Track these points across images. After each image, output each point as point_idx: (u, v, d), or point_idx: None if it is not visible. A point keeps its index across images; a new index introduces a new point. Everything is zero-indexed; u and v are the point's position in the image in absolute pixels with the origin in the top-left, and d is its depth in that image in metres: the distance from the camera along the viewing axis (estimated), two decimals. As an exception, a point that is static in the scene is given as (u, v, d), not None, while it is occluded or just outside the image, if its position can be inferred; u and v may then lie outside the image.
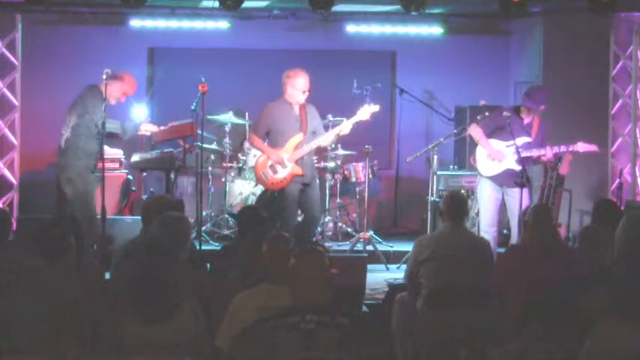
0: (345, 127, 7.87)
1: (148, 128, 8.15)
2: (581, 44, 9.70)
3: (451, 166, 9.71)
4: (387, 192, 10.53)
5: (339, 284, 4.08)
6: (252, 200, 9.13)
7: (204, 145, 8.61)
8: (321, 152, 9.01)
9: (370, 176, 8.99)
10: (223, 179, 9.30)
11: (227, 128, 9.30)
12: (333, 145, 9.10)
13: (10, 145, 9.57)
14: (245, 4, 8.37)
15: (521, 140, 7.57)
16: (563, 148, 7.65)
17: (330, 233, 9.39)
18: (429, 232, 8.02)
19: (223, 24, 10.00)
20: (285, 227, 7.31)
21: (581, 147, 7.65)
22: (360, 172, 9.13)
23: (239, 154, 9.31)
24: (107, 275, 5.41)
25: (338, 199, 9.45)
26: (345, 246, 8.92)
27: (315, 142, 7.84)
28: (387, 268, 8.35)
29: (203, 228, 8.60)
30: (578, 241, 4.90)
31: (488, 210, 7.75)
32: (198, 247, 6.71)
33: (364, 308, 6.29)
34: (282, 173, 7.82)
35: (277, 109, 7.86)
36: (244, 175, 9.22)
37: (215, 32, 10.05)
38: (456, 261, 5.38)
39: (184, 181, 9.66)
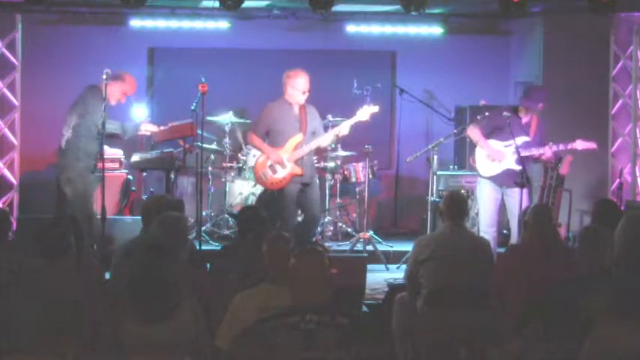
0: (344, 127, 7.88)
1: (148, 128, 8.14)
2: (581, 44, 9.70)
3: (451, 166, 9.72)
4: (387, 192, 10.53)
5: (339, 284, 4.08)
6: (252, 200, 9.13)
7: (204, 145, 8.61)
8: (321, 152, 9.01)
9: (370, 176, 8.99)
10: (223, 179, 9.31)
11: (227, 128, 9.30)
12: (333, 145, 9.10)
13: (10, 145, 9.57)
14: (245, 4, 8.37)
15: (520, 140, 7.58)
16: (561, 147, 7.66)
17: (330, 233, 9.39)
18: (429, 232, 8.02)
19: (223, 24, 10.00)
20: (285, 227, 7.31)
21: (580, 144, 7.66)
22: (360, 172, 9.13)
23: (239, 154, 9.31)
24: (107, 275, 5.41)
25: (338, 199, 9.45)
26: (345, 246, 8.92)
27: (314, 143, 7.84)
28: (387, 268, 8.35)
29: (203, 228, 8.60)
30: (578, 241, 4.90)
31: (488, 210, 7.75)
32: (198, 247, 6.71)
33: (364, 308, 6.29)
34: (281, 173, 7.83)
35: (277, 109, 7.86)
36: (244, 175, 9.22)
37: (215, 32, 10.05)
38: (456, 261, 5.38)
39: (184, 181, 9.66)
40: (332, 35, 10.21)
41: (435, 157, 8.30)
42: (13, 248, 5.55)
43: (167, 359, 4.06)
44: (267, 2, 9.51)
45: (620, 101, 9.76)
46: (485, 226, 7.74)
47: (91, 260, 5.09)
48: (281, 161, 7.79)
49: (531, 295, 4.86)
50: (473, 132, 7.88)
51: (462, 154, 9.61)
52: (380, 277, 7.69)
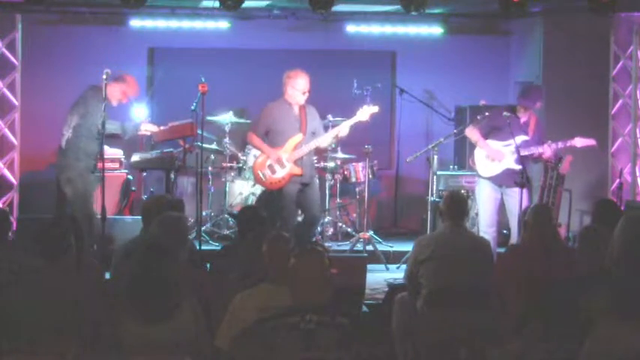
0: (344, 128, 7.89)
1: (148, 128, 8.14)
2: (581, 44, 9.70)
3: (451, 166, 9.72)
4: (387, 192, 10.53)
5: (339, 284, 4.08)
6: (252, 200, 9.13)
7: (204, 145, 8.61)
8: (320, 153, 9.02)
9: (370, 176, 8.99)
10: (223, 179, 9.31)
11: (227, 128, 9.30)
12: (333, 145, 9.09)
13: (10, 145, 9.56)
14: (245, 4, 8.37)
15: (519, 139, 7.59)
16: (560, 145, 7.67)
17: (330, 233, 9.39)
18: (429, 232, 8.02)
19: (223, 24, 10.00)
20: (285, 227, 7.32)
21: (579, 142, 7.67)
22: (360, 172, 9.13)
23: (239, 154, 9.31)
24: (107, 275, 5.41)
25: (338, 199, 9.46)
26: (345, 246, 8.91)
27: (314, 143, 7.85)
28: (387, 268, 8.35)
29: (203, 228, 8.60)
30: (578, 241, 4.90)
31: (487, 210, 7.76)
32: (198, 247, 6.71)
33: (364, 308, 6.29)
34: (280, 173, 7.83)
35: (277, 109, 7.87)
36: (244, 175, 9.22)
37: (215, 32, 10.05)
38: (456, 261, 5.38)
39: (184, 181, 9.66)
40: (332, 35, 10.21)
41: (435, 157, 8.30)
42: (13, 248, 5.56)
43: (167, 359, 4.06)
44: (267, 2, 9.51)
45: (620, 101, 9.76)
46: (484, 226, 7.75)
47: (91, 260, 5.09)
48: (280, 160, 7.79)
49: (531, 295, 4.85)
50: (471, 133, 7.90)
51: (462, 154, 9.61)
52: (380, 277, 7.69)
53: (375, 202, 10.24)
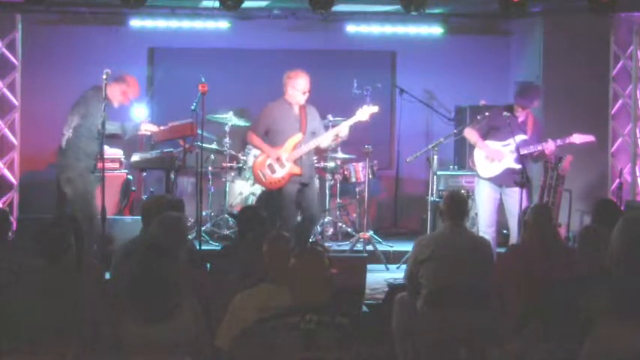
0: (344, 127, 7.89)
1: (148, 128, 8.14)
2: (581, 44, 9.70)
3: (451, 166, 9.72)
4: (387, 192, 10.53)
5: (339, 284, 4.08)
6: (252, 200, 9.13)
7: (204, 145, 8.61)
8: (320, 153, 9.02)
9: (370, 176, 8.99)
10: (223, 179, 9.31)
11: (227, 128, 9.30)
12: (334, 145, 9.09)
13: (10, 145, 9.56)
14: (245, 4, 8.37)
15: (518, 138, 7.59)
16: (559, 142, 7.67)
17: (330, 233, 9.39)
18: (429, 232, 8.02)
19: (223, 24, 10.00)
20: (284, 227, 7.32)
21: (577, 138, 7.68)
22: (360, 172, 9.13)
23: (239, 154, 9.31)
24: (107, 275, 5.41)
25: (338, 199, 9.46)
26: (345, 246, 8.91)
27: (313, 142, 7.85)
28: (387, 268, 8.35)
29: (203, 228, 8.60)
30: (578, 241, 4.90)
31: (487, 210, 7.77)
32: (198, 247, 6.71)
33: (364, 308, 6.29)
34: (280, 173, 7.83)
35: (277, 109, 7.88)
36: (244, 175, 9.22)
37: (215, 32, 10.05)
38: (456, 261, 5.38)
39: (184, 181, 9.67)
40: (332, 35, 10.21)
41: (435, 157, 8.30)
42: (13, 248, 5.56)
43: (167, 359, 4.06)
44: (267, 2, 9.51)
45: (620, 101, 9.76)
46: (484, 226, 7.75)
47: (91, 260, 5.09)
48: (280, 160, 7.79)
49: (531, 295, 4.85)
50: (470, 134, 7.91)
51: (462, 154, 9.61)
52: (380, 277, 7.69)
53: (375, 202, 10.24)
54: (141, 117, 8.92)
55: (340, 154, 9.32)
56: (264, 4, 9.56)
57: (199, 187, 7.53)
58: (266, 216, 5.87)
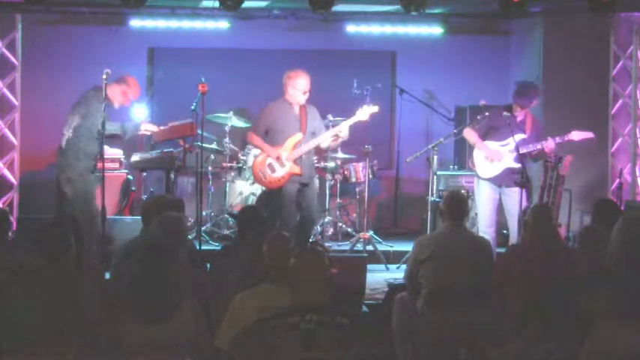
0: (343, 127, 7.89)
1: (148, 128, 8.14)
2: (581, 44, 9.70)
3: (451, 166, 9.72)
4: (387, 192, 10.53)
5: (339, 284, 4.08)
6: (252, 200, 9.13)
7: (204, 145, 8.61)
8: (321, 153, 9.02)
9: (370, 176, 8.99)
10: (223, 179, 9.31)
11: (227, 128, 9.30)
12: (334, 145, 9.08)
13: (10, 145, 9.56)
14: (245, 4, 8.37)
15: (517, 137, 7.59)
16: (558, 140, 7.67)
17: (330, 233, 9.39)
18: (429, 232, 8.02)
19: (223, 24, 10.00)
20: (284, 227, 7.32)
21: (576, 135, 7.68)
22: (360, 172, 9.13)
23: (239, 154, 9.31)
24: (107, 275, 5.41)
25: (338, 199, 9.46)
26: (345, 246, 8.91)
27: (313, 142, 7.86)
28: (387, 268, 8.35)
29: (203, 228, 8.60)
30: (578, 241, 4.90)
31: (487, 211, 7.78)
32: (198, 247, 6.71)
33: (364, 308, 6.29)
34: (280, 172, 7.84)
35: (278, 109, 7.88)
36: (244, 175, 9.22)
37: (215, 32, 10.05)
38: (456, 261, 5.38)
39: (184, 181, 9.67)
40: (332, 35, 10.21)
41: (435, 157, 8.30)
42: (13, 248, 5.55)
43: (167, 359, 4.06)
44: (267, 2, 9.51)
45: (620, 101, 9.76)
46: (484, 226, 7.76)
47: (91, 260, 5.09)
48: (280, 159, 7.80)
49: (531, 295, 4.85)
50: (469, 134, 7.91)
51: (462, 154, 9.61)
52: (380, 277, 7.69)
53: (375, 202, 10.24)
54: (141, 117, 8.92)
55: (340, 154, 9.32)
56: (264, 4, 9.56)
57: (199, 187, 7.54)
58: (266, 216, 5.86)
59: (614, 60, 9.72)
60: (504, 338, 4.74)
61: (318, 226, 9.08)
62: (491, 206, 7.76)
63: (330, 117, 9.00)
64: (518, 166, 7.49)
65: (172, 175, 8.76)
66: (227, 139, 9.27)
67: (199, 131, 7.98)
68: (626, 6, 8.84)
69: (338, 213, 9.50)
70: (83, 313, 4.25)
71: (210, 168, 9.38)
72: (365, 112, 7.91)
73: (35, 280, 4.41)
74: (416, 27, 10.24)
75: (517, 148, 7.47)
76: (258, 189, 9.00)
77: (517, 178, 7.45)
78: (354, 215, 9.57)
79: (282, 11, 9.79)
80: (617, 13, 8.87)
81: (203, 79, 7.45)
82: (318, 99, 8.13)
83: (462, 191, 8.69)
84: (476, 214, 8.23)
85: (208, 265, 5.81)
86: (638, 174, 9.58)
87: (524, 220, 5.60)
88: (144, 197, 9.07)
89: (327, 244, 8.31)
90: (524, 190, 7.37)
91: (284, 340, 3.66)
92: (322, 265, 3.85)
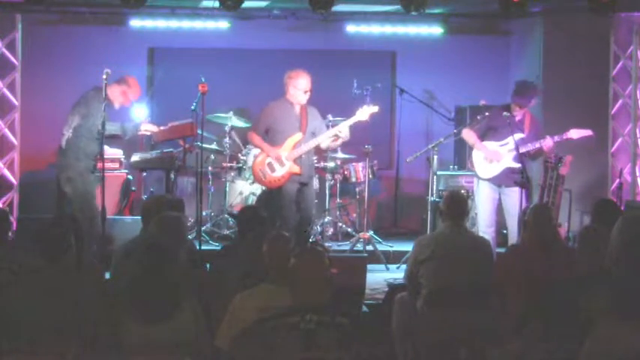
0: (343, 127, 7.89)
1: (148, 128, 8.14)
2: (581, 44, 9.70)
3: (451, 166, 9.72)
4: (387, 192, 10.53)
5: (339, 284, 4.08)
6: (252, 200, 9.13)
7: (204, 145, 8.61)
8: (321, 153, 9.02)
9: (370, 176, 8.99)
10: (223, 179, 9.31)
11: (227, 128, 9.30)
12: (335, 146, 9.08)
13: (10, 145, 9.56)
14: (245, 4, 8.37)
15: (516, 136, 7.59)
16: (557, 138, 7.68)
17: (330, 233, 9.38)
18: (429, 232, 8.01)
19: (223, 24, 10.00)
20: (284, 227, 7.32)
21: (575, 133, 7.68)
22: (360, 172, 9.13)
23: (239, 154, 9.31)
24: (107, 275, 5.41)
25: (338, 199, 9.45)
26: (345, 246, 8.91)
27: (313, 142, 7.86)
28: (387, 268, 8.34)
29: (203, 228, 8.60)
30: (578, 241, 4.90)
31: (486, 211, 7.77)
32: (198, 247, 6.71)
33: (364, 308, 6.29)
34: (279, 172, 7.84)
35: (278, 109, 7.89)
36: (244, 175, 9.22)
37: (215, 32, 10.05)
38: (456, 261, 5.38)
39: (184, 181, 9.66)
40: (332, 35, 10.22)
41: (435, 157, 8.30)
42: (13, 248, 5.55)
43: (167, 359, 4.06)
44: (267, 2, 9.51)
45: (620, 101, 9.76)
46: (483, 226, 7.76)
47: (91, 260, 5.09)
48: (280, 159, 7.80)
49: (531, 295, 4.85)
50: (468, 135, 7.91)
51: (462, 154, 9.61)
52: (380, 277, 7.69)
53: (375, 202, 10.24)
54: (141, 117, 8.92)
55: (340, 154, 9.32)
56: (264, 4, 9.56)
57: (199, 187, 7.54)
58: (266, 216, 5.86)
59: (614, 60, 9.72)
60: (504, 338, 4.74)
61: (318, 226, 9.08)
62: (491, 206, 7.76)
63: (330, 117, 8.99)
64: (517, 165, 7.49)
65: (172, 175, 8.76)
66: (227, 139, 9.27)
67: (199, 131, 7.98)
68: (626, 6, 8.84)
69: (338, 213, 9.49)
70: (83, 313, 4.25)
71: (210, 168, 9.38)
72: (365, 112, 7.91)
73: (35, 280, 4.42)
74: (416, 27, 10.24)
75: (517, 147, 7.47)
76: (258, 189, 9.00)
77: (517, 177, 7.45)
78: (354, 215, 9.57)
79: (282, 11, 9.79)
80: (617, 13, 8.87)
81: (203, 79, 7.45)
82: (318, 99, 8.13)
83: (462, 191, 8.70)
84: (476, 214, 8.23)
85: (208, 265, 5.80)
86: (638, 174, 9.58)
87: (524, 220, 5.60)
88: (144, 197, 9.07)
89: (327, 244, 8.31)
90: (524, 190, 7.37)
91: (284, 340, 3.66)
92: (322, 265, 3.85)
